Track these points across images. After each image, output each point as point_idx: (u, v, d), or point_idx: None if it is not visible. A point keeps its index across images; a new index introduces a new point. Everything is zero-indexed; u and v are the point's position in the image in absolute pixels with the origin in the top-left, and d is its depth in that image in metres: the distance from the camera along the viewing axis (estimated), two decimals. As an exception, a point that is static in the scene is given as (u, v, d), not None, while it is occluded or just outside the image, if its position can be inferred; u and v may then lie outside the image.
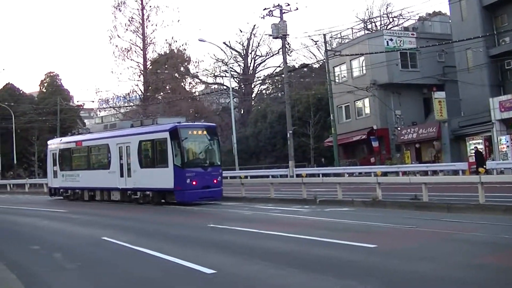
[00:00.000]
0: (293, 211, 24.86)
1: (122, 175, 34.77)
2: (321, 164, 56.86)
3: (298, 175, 45.10)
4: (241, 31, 79.02)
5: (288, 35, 53.79)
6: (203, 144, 33.62)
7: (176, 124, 32.40)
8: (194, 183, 31.09)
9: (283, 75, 60.68)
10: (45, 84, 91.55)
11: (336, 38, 68.00)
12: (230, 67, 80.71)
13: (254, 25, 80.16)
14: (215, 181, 32.61)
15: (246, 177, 45.21)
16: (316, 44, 70.85)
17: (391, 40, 55.20)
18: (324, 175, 45.70)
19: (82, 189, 39.25)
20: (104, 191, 37.34)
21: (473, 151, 42.34)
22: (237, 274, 11.73)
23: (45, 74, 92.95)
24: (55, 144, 43.75)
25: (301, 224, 20.33)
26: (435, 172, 42.54)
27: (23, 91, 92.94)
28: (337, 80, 59.74)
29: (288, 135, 51.00)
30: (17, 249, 16.89)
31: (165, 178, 31.33)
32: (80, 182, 38.95)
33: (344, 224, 19.88)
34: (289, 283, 10.61)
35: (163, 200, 32.60)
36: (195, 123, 36.39)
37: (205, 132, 33.61)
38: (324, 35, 57.92)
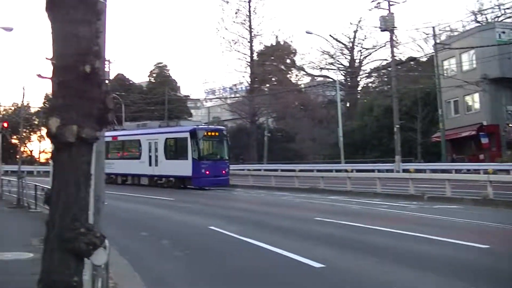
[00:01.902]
0: (401, 207, 24.77)
1: (150, 165, 44.03)
2: (427, 160, 55.94)
3: (404, 170, 44.67)
4: (351, 24, 78.32)
5: (396, 27, 53.16)
6: (214, 143, 43.79)
7: (195, 126, 43.02)
8: (207, 172, 40.65)
9: (389, 69, 60.03)
10: (154, 75, 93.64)
11: (445, 31, 66.64)
12: (337, 60, 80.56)
13: (361, 18, 79.83)
14: (223, 172, 42.46)
15: (351, 170, 45.10)
16: (427, 37, 69.67)
17: (504, 32, 53.47)
18: (431, 171, 45.14)
19: (116, 174, 46.76)
20: (134, 177, 46.23)
21: None
22: (345, 268, 11.85)
23: (154, 65, 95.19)
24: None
25: (409, 221, 20.25)
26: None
27: (132, 81, 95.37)
28: (445, 74, 58.49)
29: (395, 130, 50.45)
30: (127, 235, 17.35)
31: (185, 167, 40.73)
32: (115, 169, 45.44)
33: (454, 222, 19.67)
34: (397, 279, 10.69)
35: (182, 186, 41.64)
36: (209, 127, 47.61)
37: (216, 134, 43.84)
38: (433, 27, 56.74)
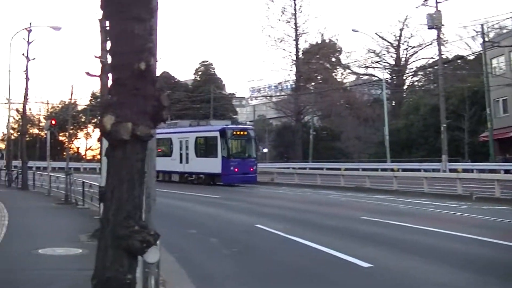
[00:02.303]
0: (448, 207, 24.47)
1: (181, 162, 45.93)
2: (473, 160, 55.07)
3: (451, 170, 44.15)
4: (400, 22, 77.42)
5: (443, 25, 52.51)
6: (243, 142, 45.64)
7: (224, 126, 44.56)
8: (236, 170, 42.26)
9: (436, 67, 59.37)
10: (200, 73, 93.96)
11: (494, 28, 65.51)
12: (382, 58, 79.99)
13: (407, 16, 78.92)
14: (251, 169, 43.97)
15: (398, 170, 44.75)
16: (476, 35, 68.64)
17: (555, 29, 52.36)
18: (479, 171, 44.50)
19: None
20: (165, 174, 46.88)
21: None
22: (393, 268, 11.72)
23: (200, 63, 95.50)
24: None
25: (457, 221, 19.99)
26: None
27: (178, 79, 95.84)
28: (494, 73, 57.55)
29: (442, 129, 49.85)
30: (176, 232, 17.26)
31: (214, 165, 42.53)
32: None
33: (505, 223, 19.36)
34: (447, 282, 10.54)
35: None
36: (238, 126, 47.49)
37: (245, 133, 45.55)
38: (481, 25, 55.84)
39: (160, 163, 46.88)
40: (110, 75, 3.84)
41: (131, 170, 3.73)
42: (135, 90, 3.69)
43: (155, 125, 3.82)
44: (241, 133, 45.46)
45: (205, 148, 45.39)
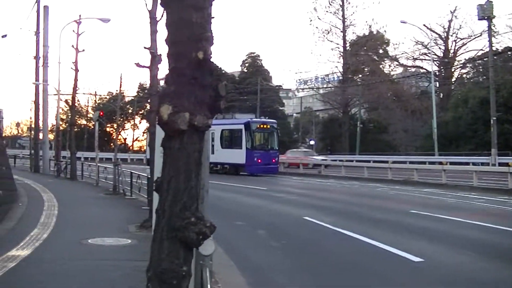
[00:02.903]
0: (499, 202, 24.12)
1: (213, 153, 45.22)
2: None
3: (500, 164, 43.48)
4: (450, 12, 76.31)
5: (494, 16, 51.66)
6: (266, 134, 48.65)
7: (249, 119, 47.27)
8: (259, 161, 45.53)
9: (485, 59, 58.47)
10: (247, 64, 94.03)
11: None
12: (430, 50, 79.07)
13: (456, 7, 77.83)
14: (273, 160, 47.58)
15: (446, 163, 44.24)
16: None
17: None
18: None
19: None
20: None
21: None
22: (444, 263, 11.49)
23: (247, 55, 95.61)
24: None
25: (508, 216, 19.74)
26: None
27: (225, 71, 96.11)
28: (546, 65, 56.41)
29: (492, 122, 49.14)
30: (223, 223, 16.98)
31: (239, 156, 45.44)
32: None
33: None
34: (499, 278, 10.37)
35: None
36: (262, 120, 50.30)
37: (268, 126, 48.68)
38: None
39: None
40: (167, 64, 3.79)
41: (188, 161, 3.68)
42: (193, 80, 3.64)
43: (212, 115, 3.76)
44: (264, 126, 48.50)
45: (230, 140, 48.19)
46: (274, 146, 48.72)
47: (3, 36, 48.38)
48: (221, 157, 46.60)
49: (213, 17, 3.86)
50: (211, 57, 3.76)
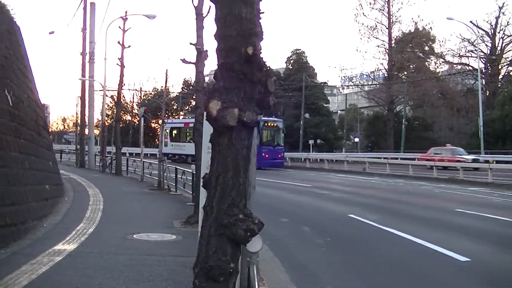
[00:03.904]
0: (549, 201, 23.73)
1: None
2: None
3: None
4: (499, 8, 75.10)
5: (544, 13, 50.72)
6: (272, 132, 52.89)
7: None
8: (266, 156, 49.35)
9: (535, 56, 57.47)
10: (291, 61, 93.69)
11: None
12: (477, 47, 77.97)
13: (504, 3, 76.60)
14: (279, 155, 52.35)
15: (492, 162, 43.63)
16: None
17: None
18: None
19: (186, 155, 54.72)
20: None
21: None
22: (491, 263, 11.35)
23: (291, 51, 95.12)
24: (169, 123, 56.73)
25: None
26: None
27: (270, 67, 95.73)
28: None
29: (540, 120, 48.32)
30: (267, 220, 17.02)
31: None
32: (185, 150, 54.52)
33: None
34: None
35: None
36: (269, 118, 51.57)
37: (274, 124, 52.80)
38: None
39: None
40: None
41: (236, 157, 3.66)
42: (242, 75, 3.61)
43: (261, 111, 3.73)
44: (272, 124, 52.66)
45: None
46: (280, 143, 53.37)
47: (50, 33, 49.04)
48: None
49: (263, 12, 3.82)
50: (260, 52, 3.73)
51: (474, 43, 75.66)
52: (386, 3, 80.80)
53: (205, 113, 4.81)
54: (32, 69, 20.38)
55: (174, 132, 61.61)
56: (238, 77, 3.60)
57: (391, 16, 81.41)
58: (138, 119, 54.44)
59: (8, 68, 15.10)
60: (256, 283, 5.43)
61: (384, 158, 53.80)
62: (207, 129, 7.14)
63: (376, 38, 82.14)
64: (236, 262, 3.81)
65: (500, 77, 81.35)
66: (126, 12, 37.67)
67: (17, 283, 8.18)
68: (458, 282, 9.96)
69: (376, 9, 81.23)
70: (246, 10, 3.61)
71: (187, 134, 57.94)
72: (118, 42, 36.36)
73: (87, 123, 46.51)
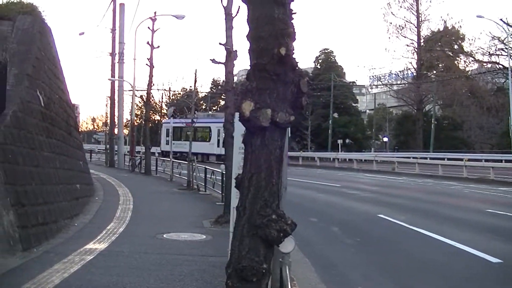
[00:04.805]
0: None
1: (218, 146, 52.02)
2: None
3: None
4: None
5: None
6: None
7: None
8: None
9: None
10: (320, 61, 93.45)
11: None
12: (507, 46, 77.11)
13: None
14: None
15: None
16: None
17: None
18: None
19: (186, 152, 52.51)
20: (204, 155, 55.24)
21: None
22: (524, 265, 11.16)
23: (320, 51, 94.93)
24: (167, 123, 60.02)
25: None
26: None
27: (298, 67, 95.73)
28: None
29: None
30: (297, 220, 17.02)
31: None
32: (186, 148, 55.01)
33: None
34: None
35: None
36: None
37: None
38: None
39: (199, 146, 52.51)
40: (248, 60, 3.78)
41: (269, 157, 3.66)
42: (275, 76, 3.62)
43: (294, 112, 3.73)
44: None
45: None
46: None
47: (80, 34, 49.48)
48: None
49: (295, 13, 3.82)
50: (293, 53, 3.74)
51: (505, 41, 74.87)
52: (414, 1, 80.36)
53: (237, 113, 4.82)
54: (63, 69, 20.57)
55: (175, 130, 63.16)
56: (270, 78, 3.60)
57: (420, 15, 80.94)
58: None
59: (40, 70, 15.26)
60: (289, 284, 5.42)
61: (413, 157, 53.48)
62: (239, 130, 7.15)
63: (405, 37, 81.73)
64: (269, 262, 3.82)
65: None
66: (155, 13, 37.89)
67: (50, 281, 8.27)
68: (490, 283, 9.89)
69: (405, 8, 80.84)
70: (278, 11, 3.62)
71: (187, 133, 60.29)
72: (147, 43, 36.57)
73: (116, 123, 46.79)
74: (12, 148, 11.22)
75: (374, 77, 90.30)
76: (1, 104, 11.60)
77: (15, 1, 18.31)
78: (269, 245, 3.77)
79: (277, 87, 3.61)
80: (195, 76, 33.97)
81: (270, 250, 3.82)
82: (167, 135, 61.27)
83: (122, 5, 45.24)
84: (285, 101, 3.64)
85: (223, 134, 49.00)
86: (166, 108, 74.68)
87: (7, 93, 12.07)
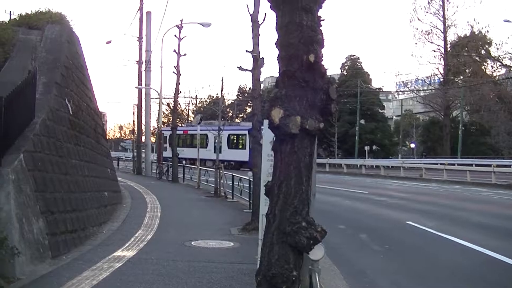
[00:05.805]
0: None
1: (215, 152, 53.02)
2: None
3: None
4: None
5: None
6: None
7: (251, 127, 53.54)
8: None
9: None
10: (346, 67, 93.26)
11: None
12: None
13: None
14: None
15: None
16: None
17: None
18: None
19: (185, 158, 56.29)
20: (201, 161, 57.94)
21: None
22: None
23: (346, 57, 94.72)
24: (164, 130, 60.20)
25: None
26: None
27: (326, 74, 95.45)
28: None
29: None
30: (325, 227, 17.00)
31: (243, 155, 56.54)
32: (185, 154, 56.73)
33: None
34: None
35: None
36: (262, 127, 55.01)
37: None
38: None
39: (196, 152, 56.84)
40: (277, 67, 3.78)
41: (299, 165, 3.66)
42: (304, 83, 3.62)
43: (323, 118, 3.72)
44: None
45: (235, 142, 61.35)
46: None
47: (108, 42, 49.99)
48: (227, 156, 54.38)
49: (323, 20, 3.82)
50: (322, 60, 3.74)
51: (533, 46, 74.33)
52: (441, 7, 79.89)
53: (266, 121, 4.82)
54: (90, 77, 20.76)
55: (173, 138, 64.85)
56: (300, 85, 3.60)
57: (446, 20, 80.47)
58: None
59: (68, 78, 15.40)
60: (319, 292, 5.40)
61: (441, 164, 53.09)
62: (267, 137, 7.16)
63: (431, 42, 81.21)
64: (299, 270, 3.81)
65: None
66: (181, 21, 38.11)
67: (79, 288, 8.33)
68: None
69: (431, 13, 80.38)
70: (307, 18, 3.62)
71: (187, 139, 65.71)
72: (174, 51, 36.81)
73: (143, 131, 47.06)
74: (42, 156, 11.33)
75: (401, 83, 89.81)
76: (30, 113, 11.74)
77: (44, 10, 18.55)
78: (299, 253, 3.77)
79: (306, 94, 3.61)
80: (222, 84, 33.95)
81: (300, 257, 3.81)
82: (165, 142, 63.00)
83: (148, 13, 45.56)
84: (314, 108, 3.64)
85: (222, 141, 50.44)
86: (193, 116, 74.87)
87: (36, 102, 12.21)
